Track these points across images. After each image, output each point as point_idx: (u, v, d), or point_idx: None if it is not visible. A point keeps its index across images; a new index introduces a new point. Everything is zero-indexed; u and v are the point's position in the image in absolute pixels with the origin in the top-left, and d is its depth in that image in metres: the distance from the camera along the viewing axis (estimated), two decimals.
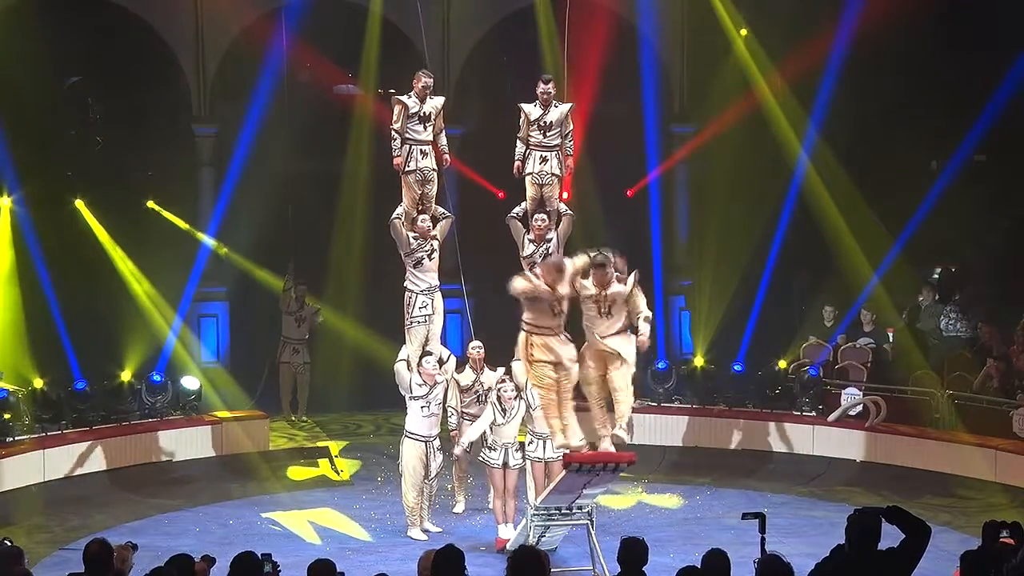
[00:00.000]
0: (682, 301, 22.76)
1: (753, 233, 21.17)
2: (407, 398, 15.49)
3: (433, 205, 15.51)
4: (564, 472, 13.85)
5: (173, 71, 21.28)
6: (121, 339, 19.79)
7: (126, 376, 19.11)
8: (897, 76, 21.29)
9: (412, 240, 15.37)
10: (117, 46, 20.70)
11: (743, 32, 21.63)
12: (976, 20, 20.45)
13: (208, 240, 21.16)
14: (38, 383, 18.36)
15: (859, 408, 19.00)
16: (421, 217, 15.36)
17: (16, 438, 17.54)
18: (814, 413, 19.32)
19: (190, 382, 19.47)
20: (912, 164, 21.26)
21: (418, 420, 15.45)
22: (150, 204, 21.07)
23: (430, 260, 15.45)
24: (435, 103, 15.43)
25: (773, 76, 21.31)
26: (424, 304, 15.45)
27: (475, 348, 16.23)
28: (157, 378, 19.27)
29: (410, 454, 15.56)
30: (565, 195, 19.29)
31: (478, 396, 16.20)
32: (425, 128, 15.31)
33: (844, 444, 18.96)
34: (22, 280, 19.46)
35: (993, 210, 20.86)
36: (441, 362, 15.64)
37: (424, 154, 15.36)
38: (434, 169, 15.35)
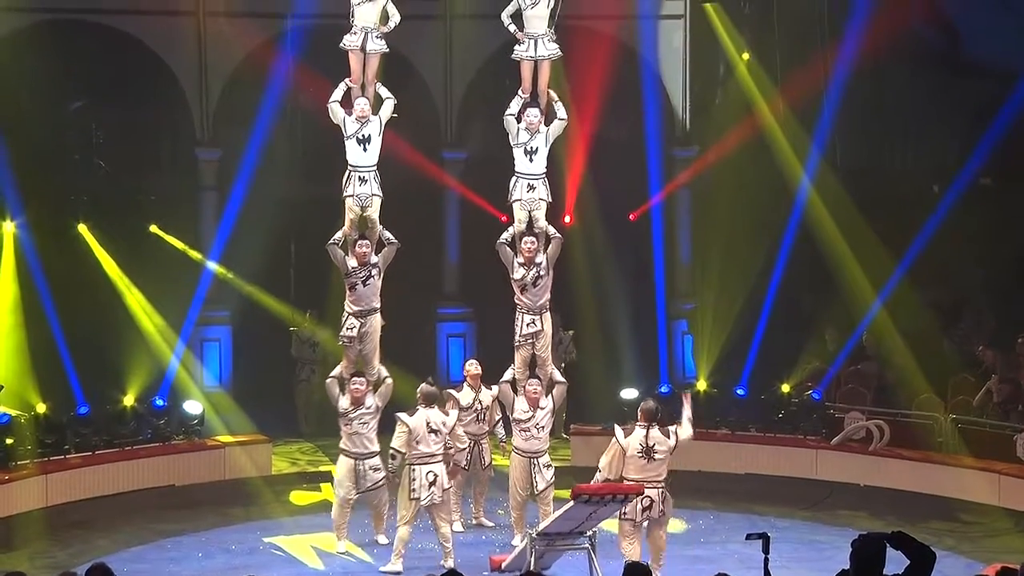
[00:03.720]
0: (685, 325, 22.67)
1: (756, 257, 21.15)
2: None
3: (379, 229, 15.48)
4: (572, 503, 13.81)
5: (176, 95, 21.34)
6: (124, 363, 19.79)
7: (129, 401, 19.09)
8: (900, 99, 21.35)
9: (348, 265, 15.37)
10: (120, 71, 20.85)
11: (745, 56, 21.62)
12: (980, 42, 20.58)
13: (211, 264, 21.16)
14: (41, 408, 18.32)
15: (862, 432, 18.90)
16: (359, 242, 15.38)
17: (19, 463, 17.50)
18: (817, 437, 19.24)
19: (193, 406, 19.43)
20: (915, 188, 21.25)
21: (345, 437, 15.52)
22: (153, 229, 21.09)
23: (364, 286, 15.45)
24: (375, 128, 15.42)
25: (775, 100, 21.32)
26: (352, 326, 15.45)
27: (471, 365, 16.29)
28: (160, 402, 19.26)
29: (338, 468, 15.68)
30: (567, 219, 20.08)
31: (477, 415, 16.21)
32: (365, 151, 15.28)
33: (847, 468, 18.88)
34: (25, 304, 19.50)
35: (997, 234, 20.83)
36: (377, 383, 15.57)
37: (363, 180, 15.35)
38: (373, 195, 15.31)
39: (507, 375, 15.67)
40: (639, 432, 14.16)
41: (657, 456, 14.13)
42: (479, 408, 16.25)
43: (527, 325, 15.47)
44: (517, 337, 15.53)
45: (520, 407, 15.42)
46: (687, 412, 14.55)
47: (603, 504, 13.73)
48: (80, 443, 18.35)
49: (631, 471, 14.10)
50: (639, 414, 14.31)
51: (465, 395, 16.16)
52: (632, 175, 22.01)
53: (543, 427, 15.47)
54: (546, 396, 15.49)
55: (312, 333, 21.37)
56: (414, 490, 14.75)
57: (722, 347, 21.16)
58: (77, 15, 20.86)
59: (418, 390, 15.00)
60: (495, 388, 15.98)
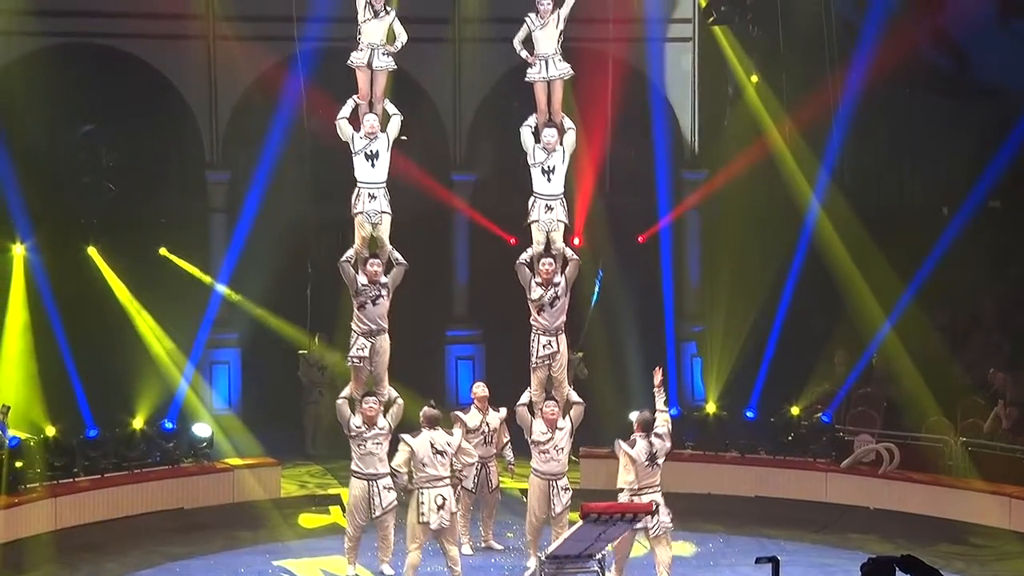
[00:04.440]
0: (694, 347, 22.68)
1: (765, 279, 21.07)
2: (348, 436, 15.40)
3: (389, 249, 15.45)
4: (581, 522, 13.72)
5: (186, 118, 21.46)
6: (133, 386, 19.80)
7: (138, 423, 19.10)
8: (908, 122, 21.32)
9: (359, 282, 15.33)
10: (130, 94, 20.94)
11: (754, 79, 21.65)
12: (988, 65, 20.59)
13: (220, 287, 21.22)
14: (50, 431, 18.33)
15: (872, 455, 18.87)
16: (370, 260, 15.34)
17: (28, 486, 17.48)
18: (827, 460, 19.22)
19: (202, 429, 19.43)
20: (924, 210, 21.26)
21: (356, 458, 15.31)
22: (162, 251, 21.13)
23: (374, 305, 15.34)
24: (381, 144, 15.38)
25: (784, 122, 21.26)
26: (363, 346, 15.39)
27: (478, 387, 16.23)
28: (169, 425, 19.29)
29: (351, 492, 15.48)
30: (576, 240, 19.97)
31: (484, 437, 16.18)
32: (373, 167, 15.30)
33: (857, 491, 18.83)
34: (35, 327, 19.50)
35: (1006, 256, 20.86)
36: (388, 404, 15.47)
37: (372, 196, 15.33)
38: (383, 212, 15.30)
39: (524, 397, 15.61)
40: (641, 442, 14.40)
41: (659, 460, 14.46)
42: (487, 430, 16.20)
43: (543, 346, 15.48)
44: (534, 359, 15.52)
45: (538, 429, 15.34)
46: (660, 401, 14.82)
47: (612, 524, 13.62)
48: (89, 466, 18.33)
49: (637, 480, 14.36)
50: (636, 425, 14.54)
51: (472, 417, 16.12)
52: (641, 197, 22.08)
53: (562, 448, 15.40)
54: (564, 417, 15.44)
55: (321, 356, 21.35)
56: (422, 514, 14.67)
57: (731, 369, 21.15)
58: (87, 39, 20.94)
59: (421, 413, 14.96)
60: (503, 410, 15.98)
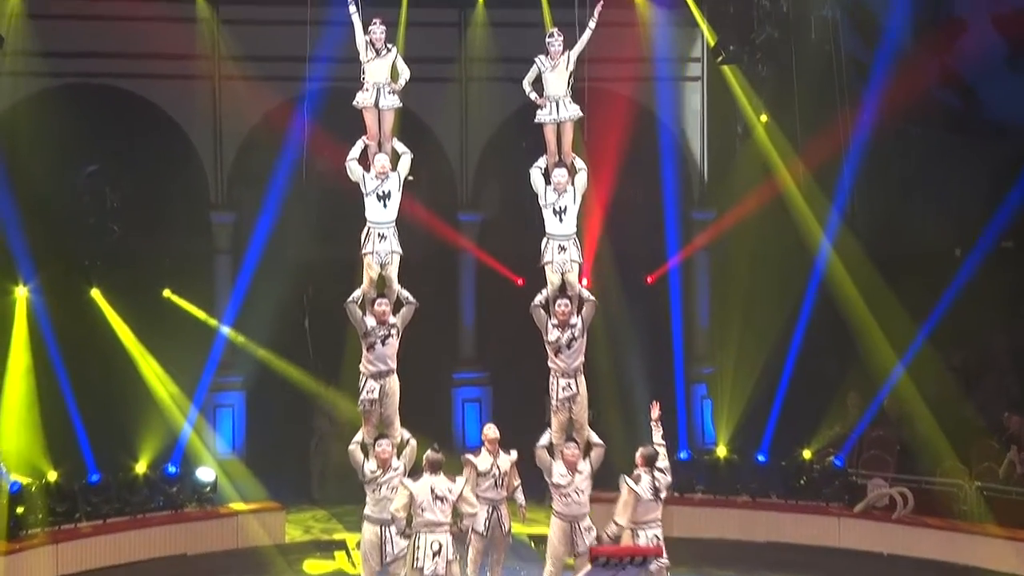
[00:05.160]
0: (704, 389, 22.61)
1: (775, 320, 21.00)
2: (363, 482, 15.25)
3: (397, 289, 15.33)
4: (590, 566, 13.63)
5: (190, 159, 21.44)
6: (136, 430, 19.76)
7: (141, 468, 19.10)
8: (919, 162, 21.27)
9: (367, 324, 15.21)
10: (135, 134, 20.94)
11: (763, 118, 21.55)
12: (998, 104, 20.66)
13: (225, 329, 21.13)
14: (52, 475, 18.27)
15: (886, 500, 18.87)
16: (378, 301, 15.22)
17: (29, 531, 17.40)
18: (840, 504, 19.19)
19: (206, 474, 19.43)
20: (936, 251, 21.15)
21: (371, 503, 15.12)
22: (166, 293, 21.07)
23: (383, 345, 15.20)
24: (391, 184, 15.29)
25: (794, 162, 21.13)
26: (372, 388, 15.24)
27: (489, 429, 15.98)
28: (172, 470, 19.25)
29: (363, 536, 15.27)
30: (584, 281, 19.48)
31: (495, 480, 15.92)
32: (385, 207, 15.22)
33: (871, 536, 18.76)
34: (37, 370, 19.41)
35: (1020, 297, 20.82)
36: (401, 446, 15.33)
37: (382, 237, 15.25)
38: (393, 251, 15.22)
39: (543, 439, 15.43)
40: (646, 477, 14.43)
41: (662, 495, 14.53)
42: (497, 474, 15.90)
43: (563, 389, 15.37)
44: (554, 402, 15.42)
45: (558, 471, 15.18)
46: (657, 435, 14.85)
47: (622, 567, 13.63)
48: (91, 511, 18.29)
49: (640, 515, 14.36)
50: (640, 459, 14.53)
51: (483, 460, 15.87)
52: (650, 237, 22.05)
53: (582, 491, 15.24)
54: (584, 459, 15.31)
55: (333, 406, 21.28)
56: (417, 559, 14.49)
57: (742, 412, 21.09)
58: (91, 79, 20.95)
59: (424, 457, 14.74)
60: (514, 453, 15.82)
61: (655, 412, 14.99)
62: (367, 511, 15.11)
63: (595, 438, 15.52)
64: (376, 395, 15.22)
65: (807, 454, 19.90)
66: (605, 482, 17.31)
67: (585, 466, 15.26)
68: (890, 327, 20.29)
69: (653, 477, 14.47)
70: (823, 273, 20.82)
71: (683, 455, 20.05)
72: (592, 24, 15.19)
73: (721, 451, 20.44)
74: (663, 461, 14.64)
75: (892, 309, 20.32)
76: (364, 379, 15.27)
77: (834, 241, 20.85)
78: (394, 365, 15.27)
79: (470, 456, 15.87)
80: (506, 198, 22.36)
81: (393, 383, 15.31)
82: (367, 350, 15.22)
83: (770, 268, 21.23)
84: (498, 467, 15.85)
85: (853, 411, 20.53)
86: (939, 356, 20.40)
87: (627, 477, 14.46)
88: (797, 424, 20.49)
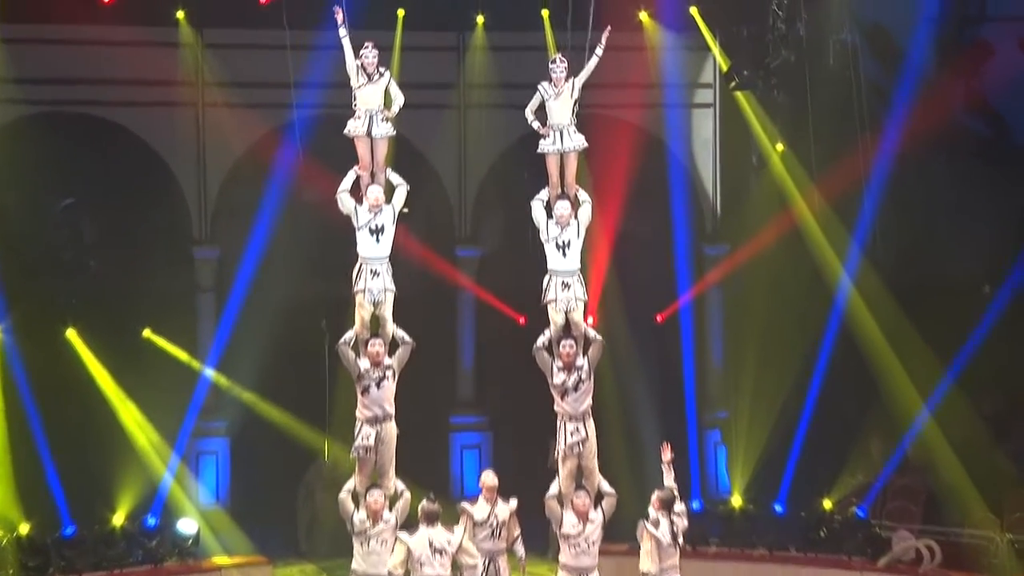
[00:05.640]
0: (717, 435, 22.31)
1: (793, 361, 20.61)
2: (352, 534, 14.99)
3: (392, 328, 14.99)
4: None
5: (172, 190, 21.27)
6: (113, 479, 19.57)
7: (118, 519, 19.03)
8: (945, 192, 20.87)
9: (361, 366, 14.90)
10: (113, 165, 20.73)
11: (779, 146, 21.29)
12: None
13: (208, 371, 20.85)
14: (24, 528, 18.19)
15: (912, 553, 18.66)
16: (371, 341, 14.89)
17: None
18: (862, 558, 19.00)
19: (187, 525, 19.25)
20: (964, 287, 20.78)
21: (359, 558, 14.71)
22: (146, 333, 20.77)
23: (379, 389, 14.89)
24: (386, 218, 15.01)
25: (812, 193, 20.85)
26: (367, 435, 14.91)
27: (487, 476, 15.61)
28: (152, 521, 19.15)
29: None
30: (590, 320, 19.40)
31: (492, 530, 15.51)
32: (378, 242, 14.94)
33: None
34: (8, 415, 19.16)
35: None
36: (393, 498, 14.95)
37: (375, 273, 14.91)
38: (387, 289, 14.94)
39: (552, 489, 15.12)
40: (664, 521, 14.45)
41: (680, 540, 14.55)
42: (495, 523, 15.51)
43: (571, 434, 15.05)
44: (562, 448, 15.08)
45: (569, 521, 14.87)
46: (668, 478, 14.80)
47: None
48: (65, 566, 18.18)
49: (661, 561, 14.41)
50: (656, 503, 14.55)
51: (480, 509, 15.47)
52: (659, 273, 21.78)
53: (594, 542, 14.97)
54: (595, 508, 15.01)
55: (333, 466, 20.79)
56: None
57: (758, 459, 20.87)
58: (67, 107, 20.79)
59: (419, 508, 14.48)
60: (513, 501, 15.54)
61: (667, 454, 14.95)
62: (354, 565, 14.76)
63: (607, 486, 15.24)
64: (371, 442, 14.90)
65: (827, 504, 19.79)
66: (610, 534, 17.33)
67: (597, 515, 15.00)
68: (915, 368, 19.94)
69: (671, 521, 14.42)
70: (843, 311, 20.50)
71: (696, 505, 19.92)
72: (599, 51, 14.99)
73: (736, 501, 20.33)
74: (680, 505, 14.62)
75: (917, 349, 19.91)
76: (359, 424, 14.94)
77: (855, 277, 20.56)
78: (391, 410, 15.05)
79: (466, 504, 15.58)
80: (507, 232, 22.16)
81: (390, 429, 15.03)
82: (361, 394, 14.93)
83: (787, 305, 20.87)
84: (496, 516, 15.51)
85: (876, 458, 20.35)
86: (967, 399, 19.91)
87: (647, 523, 14.42)
88: (817, 472, 20.32)
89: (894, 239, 20.55)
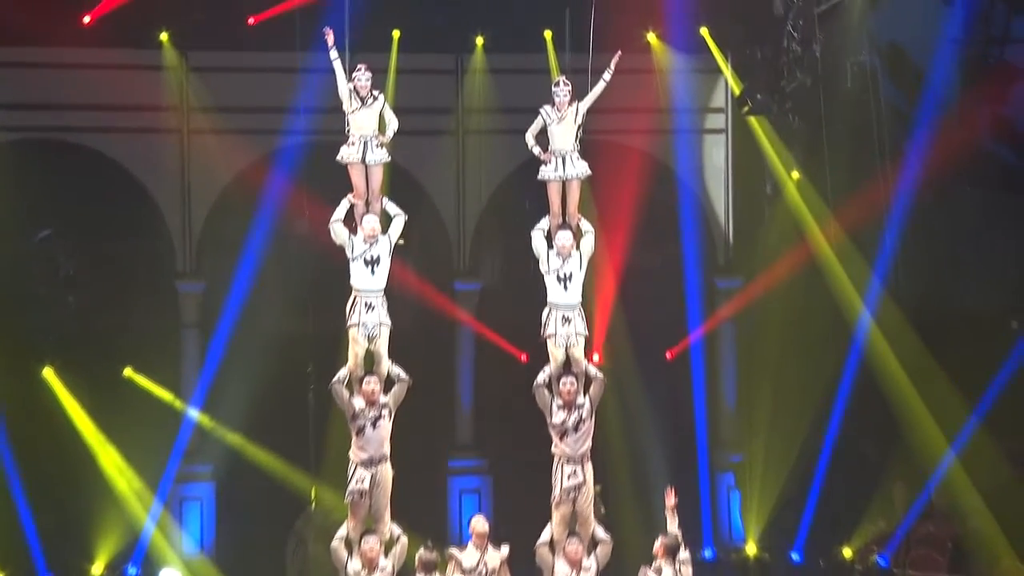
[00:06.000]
0: (731, 479, 21.96)
1: (810, 401, 20.45)
2: None
3: (387, 365, 14.68)
4: None
5: (155, 222, 21.07)
6: (92, 526, 19.50)
7: (97, 569, 19.17)
8: (970, 223, 20.71)
9: (356, 405, 14.59)
10: (92, 195, 20.51)
11: (795, 174, 21.03)
12: None
13: (192, 412, 20.51)
14: None
15: None
16: (366, 379, 14.59)
17: None
18: None
19: (170, 575, 18.52)
20: (990, 322, 20.44)
21: None
22: (127, 372, 20.44)
23: (374, 429, 14.54)
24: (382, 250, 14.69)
25: (830, 223, 20.57)
26: (362, 478, 14.53)
27: (477, 522, 15.16)
28: (132, 571, 19.35)
29: None
30: (596, 357, 19.45)
31: None
32: (373, 274, 14.67)
33: None
34: None
35: None
36: (390, 544, 14.62)
37: (369, 306, 14.60)
38: (382, 323, 14.60)
39: (544, 535, 14.75)
40: (667, 570, 14.27)
41: None
42: (484, 571, 15.09)
43: (568, 477, 14.68)
44: (557, 492, 14.71)
45: (561, 570, 14.55)
46: (673, 524, 14.57)
47: None
48: None
49: None
50: (660, 549, 14.37)
51: (469, 555, 14.97)
52: (669, 308, 21.54)
53: None
54: (588, 556, 14.65)
55: (324, 515, 20.22)
56: None
57: (774, 505, 20.68)
58: (44, 133, 20.63)
59: (416, 557, 14.33)
60: (504, 548, 15.07)
61: (670, 499, 14.71)
62: None
63: (601, 533, 14.92)
64: (366, 485, 14.58)
65: (847, 552, 19.88)
66: None
67: (591, 563, 14.65)
68: (939, 409, 19.70)
69: (675, 570, 14.26)
70: (863, 347, 20.21)
71: (708, 553, 20.00)
72: (608, 76, 14.70)
73: (751, 549, 20.35)
74: (684, 552, 14.43)
75: (941, 388, 19.70)
76: (353, 467, 14.67)
77: (875, 311, 20.24)
78: (387, 451, 14.71)
79: (454, 550, 15.20)
80: (508, 265, 21.93)
81: (386, 472, 14.74)
82: (356, 435, 14.66)
83: (804, 342, 20.74)
84: (485, 564, 15.11)
85: (899, 504, 20.17)
86: (995, 441, 19.67)
87: (649, 570, 14.28)
88: (836, 518, 20.19)
89: (916, 272, 20.28)
